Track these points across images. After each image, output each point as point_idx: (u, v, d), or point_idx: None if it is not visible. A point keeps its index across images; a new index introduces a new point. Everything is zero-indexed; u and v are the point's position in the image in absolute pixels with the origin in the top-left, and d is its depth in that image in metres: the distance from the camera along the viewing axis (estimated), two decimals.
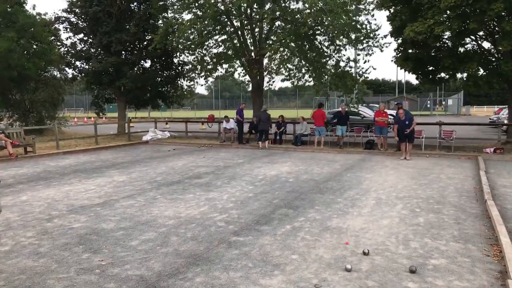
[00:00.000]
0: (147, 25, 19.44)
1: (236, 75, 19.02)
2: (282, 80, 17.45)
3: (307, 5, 14.68)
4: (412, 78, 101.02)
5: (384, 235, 5.21)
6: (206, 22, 15.96)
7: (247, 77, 18.59)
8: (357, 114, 21.23)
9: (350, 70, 17.11)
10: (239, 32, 17.09)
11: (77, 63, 20.57)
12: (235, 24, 17.15)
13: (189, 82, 18.43)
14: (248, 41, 17.46)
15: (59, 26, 20.29)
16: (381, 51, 17.02)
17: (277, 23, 17.31)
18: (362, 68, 17.16)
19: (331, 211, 6.33)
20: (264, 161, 11.98)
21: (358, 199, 7.15)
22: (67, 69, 21.44)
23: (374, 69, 17.67)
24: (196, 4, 16.33)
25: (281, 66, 16.63)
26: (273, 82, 21.46)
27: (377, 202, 6.88)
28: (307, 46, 16.22)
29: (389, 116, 15.16)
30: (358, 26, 15.59)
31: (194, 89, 19.28)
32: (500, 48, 12.75)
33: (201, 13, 16.05)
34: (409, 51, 14.95)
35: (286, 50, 16.69)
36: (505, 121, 17.82)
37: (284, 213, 6.23)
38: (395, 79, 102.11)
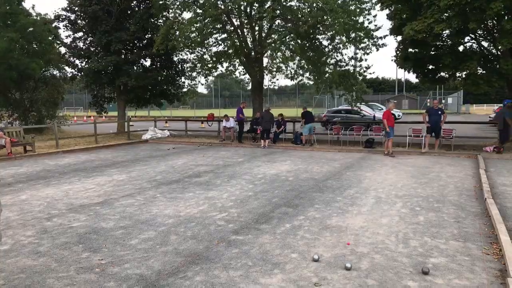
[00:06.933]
0: (147, 24, 19.41)
1: (236, 74, 18.94)
2: (291, 78, 17.38)
3: (307, 4, 14.64)
4: (412, 77, 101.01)
5: (384, 233, 5.21)
6: (206, 21, 15.92)
7: (247, 76, 18.56)
8: (357, 113, 21.23)
9: (352, 70, 17.04)
10: (239, 31, 17.05)
11: (77, 61, 20.58)
12: (235, 22, 17.11)
13: (191, 82, 18.35)
14: (248, 39, 17.42)
15: (58, 24, 20.28)
16: (377, 50, 16.95)
17: (277, 21, 17.28)
18: (364, 67, 17.10)
19: (330, 210, 6.33)
20: (264, 160, 11.97)
21: (358, 197, 7.15)
22: (66, 68, 21.43)
23: (371, 66, 17.67)
24: (197, 3, 16.29)
25: (283, 65, 16.59)
26: (277, 80, 21.43)
27: (377, 201, 6.88)
28: (307, 44, 16.19)
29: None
30: (359, 25, 15.55)
31: (196, 88, 19.18)
32: (500, 47, 12.74)
33: (201, 11, 16.01)
34: (409, 50, 14.93)
35: (287, 48, 16.65)
36: None
37: (283, 212, 6.23)
38: (395, 77, 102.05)
